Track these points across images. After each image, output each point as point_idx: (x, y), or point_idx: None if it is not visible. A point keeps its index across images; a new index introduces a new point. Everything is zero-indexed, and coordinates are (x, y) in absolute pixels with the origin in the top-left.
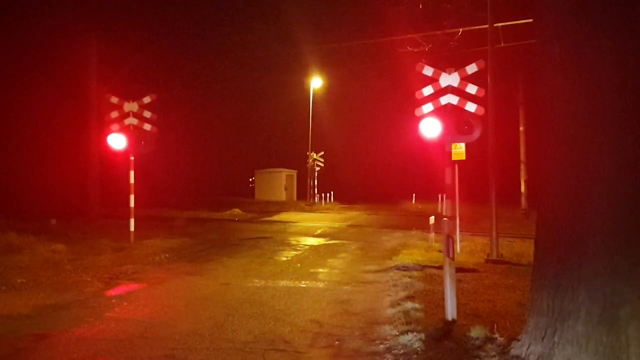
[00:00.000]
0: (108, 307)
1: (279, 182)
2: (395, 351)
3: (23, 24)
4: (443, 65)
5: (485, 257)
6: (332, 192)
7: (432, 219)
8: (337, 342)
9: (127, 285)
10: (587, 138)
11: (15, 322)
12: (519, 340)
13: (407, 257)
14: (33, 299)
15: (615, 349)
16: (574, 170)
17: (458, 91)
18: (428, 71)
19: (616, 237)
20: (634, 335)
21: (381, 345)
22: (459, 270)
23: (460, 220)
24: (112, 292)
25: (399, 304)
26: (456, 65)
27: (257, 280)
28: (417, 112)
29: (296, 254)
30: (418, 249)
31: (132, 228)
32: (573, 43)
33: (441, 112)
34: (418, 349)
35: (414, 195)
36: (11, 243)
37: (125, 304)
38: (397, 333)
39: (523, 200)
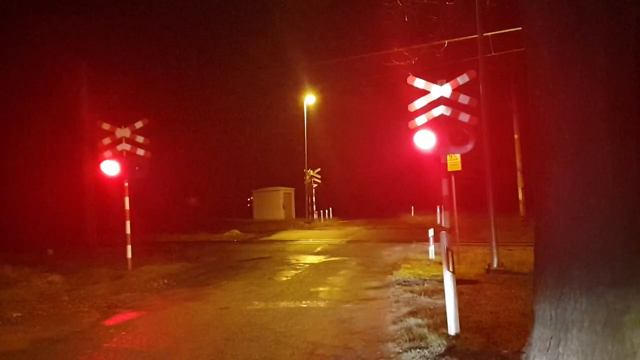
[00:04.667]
0: (106, 337)
1: (276, 201)
2: None
3: (13, 55)
4: (434, 77)
5: (486, 267)
6: (330, 208)
7: (431, 231)
8: None
9: (125, 314)
10: (582, 144)
11: (11, 358)
12: (523, 353)
13: (407, 272)
14: (29, 333)
15: (621, 356)
16: (571, 177)
17: (451, 102)
18: (419, 83)
19: (616, 243)
20: (639, 343)
21: None
22: (460, 282)
23: (459, 230)
24: (110, 322)
25: (401, 321)
26: (447, 76)
27: (256, 303)
28: (411, 125)
29: (296, 273)
30: (418, 263)
31: (129, 255)
32: (562, 49)
33: (435, 123)
34: None
35: (412, 207)
36: (7, 276)
37: (123, 333)
38: (400, 350)
39: (521, 207)
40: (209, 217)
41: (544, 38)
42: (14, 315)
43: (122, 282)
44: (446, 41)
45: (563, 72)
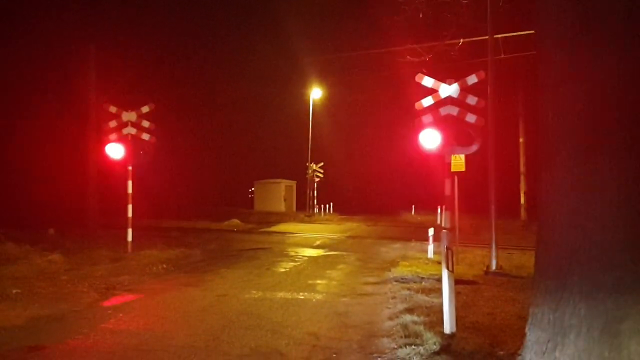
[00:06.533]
0: (103, 318)
1: (278, 193)
2: None
3: (22, 36)
4: (443, 76)
5: (485, 269)
6: (331, 203)
7: (431, 230)
8: (334, 355)
9: (123, 296)
10: (590, 149)
11: (9, 333)
12: (519, 355)
13: (406, 269)
14: (28, 310)
15: None
16: (575, 182)
17: (458, 102)
18: (428, 82)
19: (618, 250)
20: (636, 351)
21: (379, 359)
22: (458, 282)
23: (459, 231)
24: (107, 303)
25: (397, 317)
26: (456, 76)
27: (254, 292)
28: (417, 123)
29: (294, 265)
30: (417, 261)
31: (129, 238)
32: (575, 52)
33: (441, 123)
34: None
35: (413, 206)
36: (8, 253)
37: (120, 315)
38: (396, 346)
39: (522, 211)
40: (210, 206)
41: (555, 42)
42: (14, 291)
43: (121, 265)
44: (461, 40)
45: (574, 77)
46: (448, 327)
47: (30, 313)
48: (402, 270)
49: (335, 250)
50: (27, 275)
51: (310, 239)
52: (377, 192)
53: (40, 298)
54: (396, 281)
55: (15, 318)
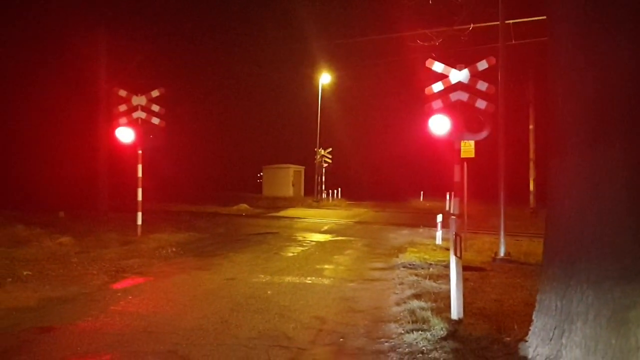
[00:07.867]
0: (113, 300)
1: (286, 178)
2: (400, 350)
3: (32, 19)
4: (453, 62)
5: (493, 255)
6: (339, 189)
7: (439, 216)
8: (341, 340)
9: (133, 278)
10: (599, 136)
11: (20, 314)
12: (526, 342)
13: (413, 255)
14: (38, 292)
15: (624, 352)
16: (585, 170)
17: (468, 88)
18: (438, 67)
19: (626, 239)
20: None
21: (386, 344)
22: (466, 268)
23: (468, 218)
24: (117, 286)
25: (404, 302)
26: (466, 61)
27: (262, 276)
28: (427, 109)
29: (302, 250)
30: (425, 247)
31: (139, 222)
32: (586, 38)
33: (451, 108)
34: (423, 348)
35: (421, 192)
36: (19, 235)
37: (130, 297)
38: (403, 331)
39: (531, 199)
40: (219, 190)
41: (567, 26)
42: (24, 273)
43: (131, 248)
44: (471, 25)
45: (585, 62)
46: (455, 313)
47: (41, 295)
48: (409, 256)
49: (342, 236)
50: (38, 258)
51: (318, 224)
52: (385, 178)
53: (51, 280)
54: (404, 267)
55: (26, 299)
